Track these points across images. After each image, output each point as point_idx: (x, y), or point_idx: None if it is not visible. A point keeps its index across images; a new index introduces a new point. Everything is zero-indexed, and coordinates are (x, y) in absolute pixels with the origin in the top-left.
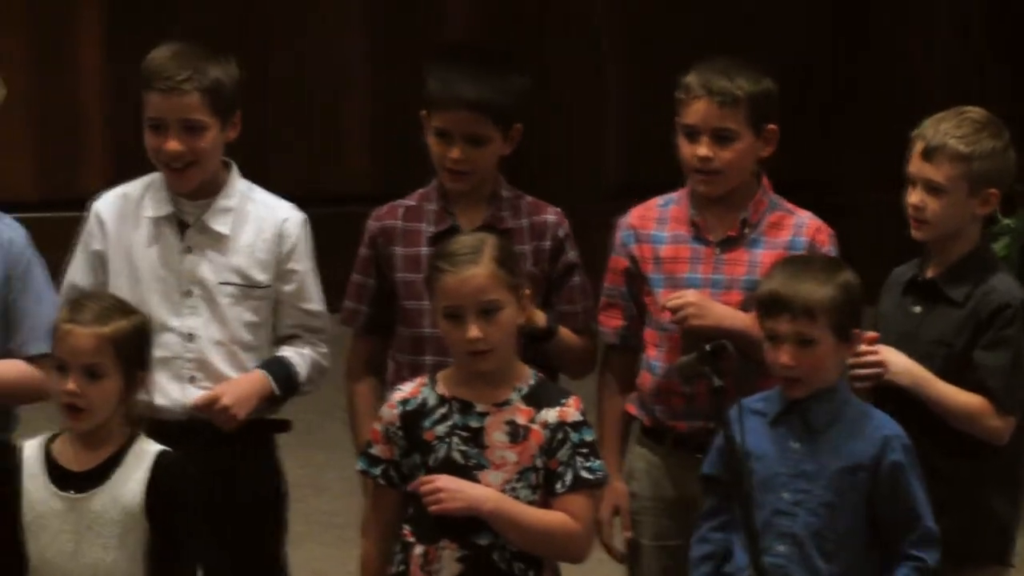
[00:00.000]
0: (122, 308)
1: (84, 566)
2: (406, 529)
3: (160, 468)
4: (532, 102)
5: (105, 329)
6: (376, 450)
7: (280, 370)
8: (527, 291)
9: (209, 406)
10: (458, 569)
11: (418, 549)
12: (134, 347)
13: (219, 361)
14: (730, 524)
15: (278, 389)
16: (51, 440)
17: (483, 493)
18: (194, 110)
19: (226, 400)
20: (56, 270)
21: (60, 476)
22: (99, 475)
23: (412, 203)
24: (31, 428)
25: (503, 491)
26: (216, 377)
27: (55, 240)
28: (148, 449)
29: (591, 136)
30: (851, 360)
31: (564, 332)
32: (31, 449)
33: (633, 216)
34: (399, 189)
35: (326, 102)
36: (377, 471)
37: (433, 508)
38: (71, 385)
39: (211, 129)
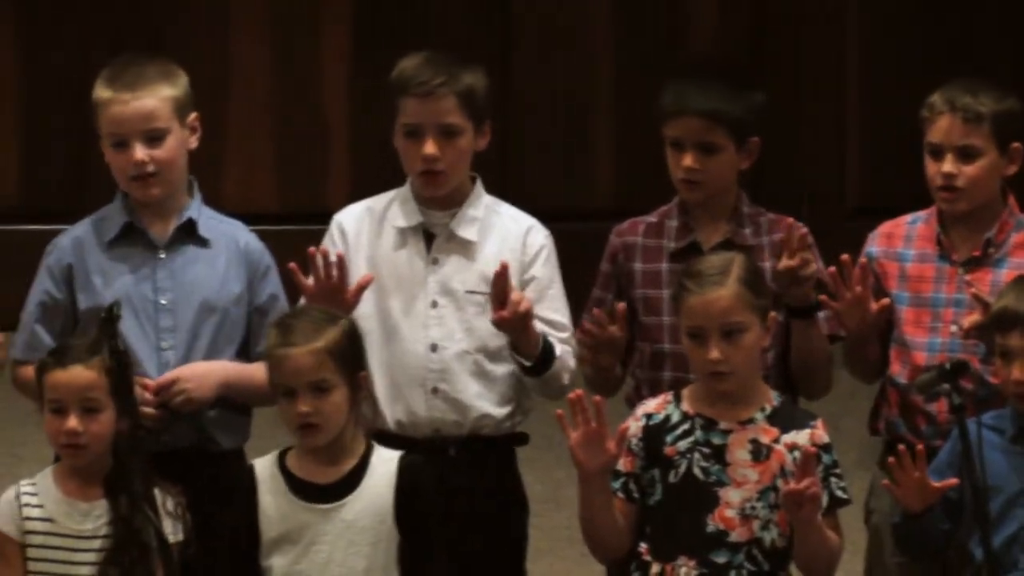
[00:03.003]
0: (327, 317)
1: (337, 575)
2: (643, 547)
3: (406, 473)
4: (770, 117)
5: (319, 343)
6: (618, 463)
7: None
8: (772, 314)
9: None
10: None
11: (655, 568)
12: (349, 351)
13: (464, 371)
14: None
15: (529, 360)
16: (283, 456)
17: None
18: (450, 114)
19: None
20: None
21: (304, 490)
22: (347, 485)
23: (653, 220)
24: None
25: (743, 509)
26: (461, 388)
27: (297, 253)
28: (390, 455)
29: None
30: None
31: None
32: (264, 467)
33: (881, 232)
34: (641, 206)
35: (572, 119)
36: (617, 484)
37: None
38: (302, 407)
39: (465, 135)
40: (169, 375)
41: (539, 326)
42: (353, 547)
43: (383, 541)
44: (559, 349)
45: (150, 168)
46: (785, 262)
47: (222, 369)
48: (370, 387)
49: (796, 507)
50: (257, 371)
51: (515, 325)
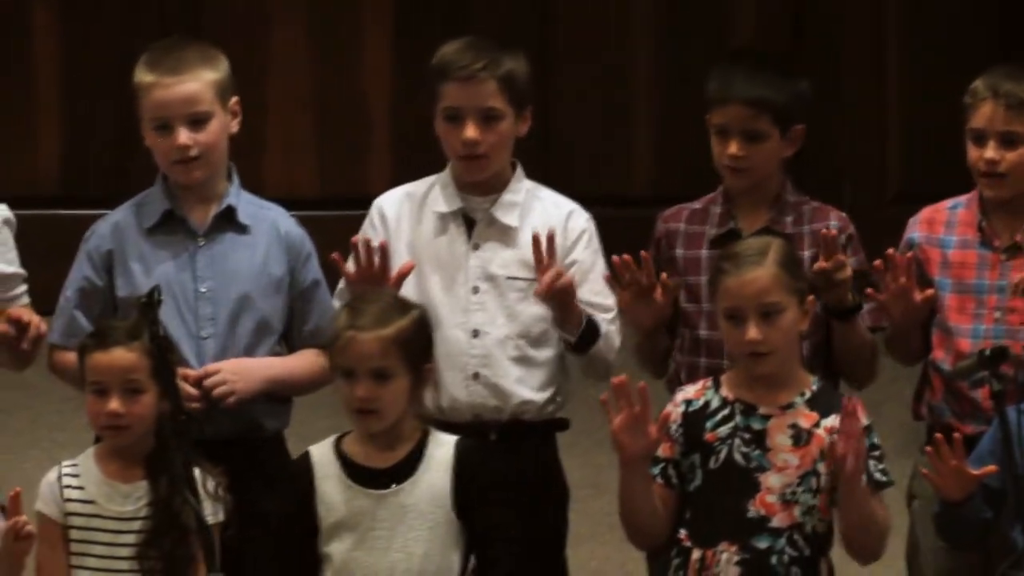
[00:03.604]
0: (400, 306)
1: (396, 560)
2: (683, 533)
3: (463, 456)
4: (814, 105)
5: (387, 331)
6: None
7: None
8: (811, 298)
9: None
10: (736, 573)
11: (695, 554)
12: (417, 343)
13: (505, 357)
14: None
15: (572, 336)
16: (339, 441)
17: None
18: (491, 98)
19: None
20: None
21: (362, 475)
22: (404, 470)
23: (698, 206)
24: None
25: (783, 494)
26: (502, 373)
27: (337, 238)
28: (446, 439)
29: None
30: None
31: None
32: (321, 452)
33: (923, 218)
34: (680, 193)
35: (612, 106)
36: (656, 470)
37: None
38: (361, 391)
39: (506, 119)
40: (212, 366)
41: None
42: (411, 532)
43: (441, 525)
44: (604, 328)
45: (193, 152)
46: (819, 264)
47: (267, 367)
48: (435, 378)
49: (842, 458)
50: (299, 365)
51: (557, 299)
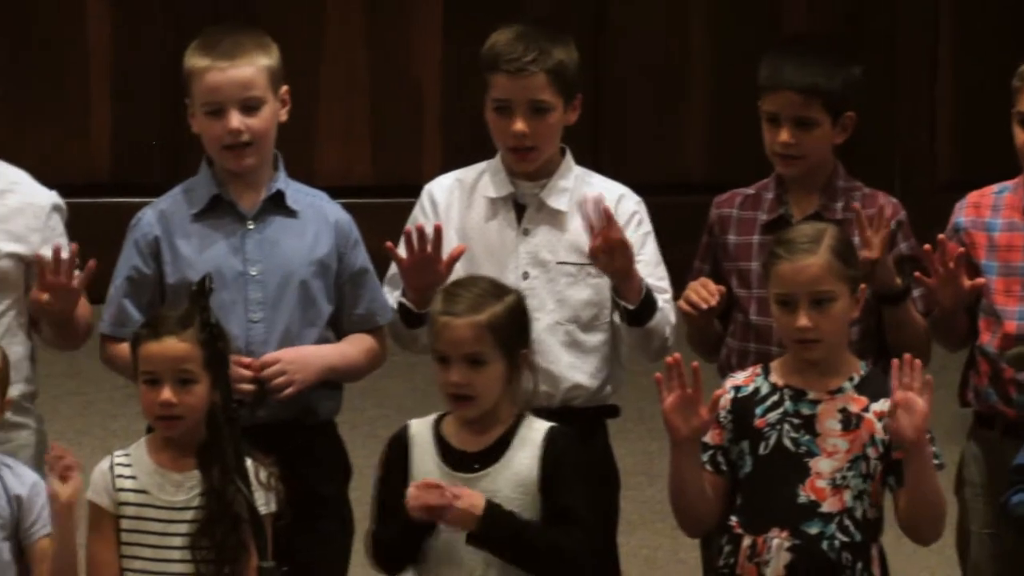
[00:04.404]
0: (495, 291)
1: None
2: (733, 520)
3: (551, 442)
4: (866, 92)
5: (481, 317)
6: (705, 435)
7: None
8: (863, 286)
9: None
10: (788, 559)
11: (746, 540)
12: (511, 329)
13: (556, 342)
14: None
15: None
16: (440, 420)
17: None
18: (540, 91)
19: None
20: (388, 255)
21: (452, 456)
22: (493, 454)
23: (751, 192)
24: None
25: (833, 479)
26: (552, 359)
27: (390, 226)
28: (537, 426)
29: (926, 129)
30: None
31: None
32: (420, 428)
33: (969, 202)
34: (733, 180)
35: (666, 92)
36: (705, 457)
37: None
38: (455, 377)
39: (555, 111)
40: (269, 356)
41: None
42: None
43: (527, 511)
44: (660, 302)
45: (245, 137)
46: (864, 253)
47: (324, 355)
48: (532, 363)
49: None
50: (353, 351)
51: (615, 255)
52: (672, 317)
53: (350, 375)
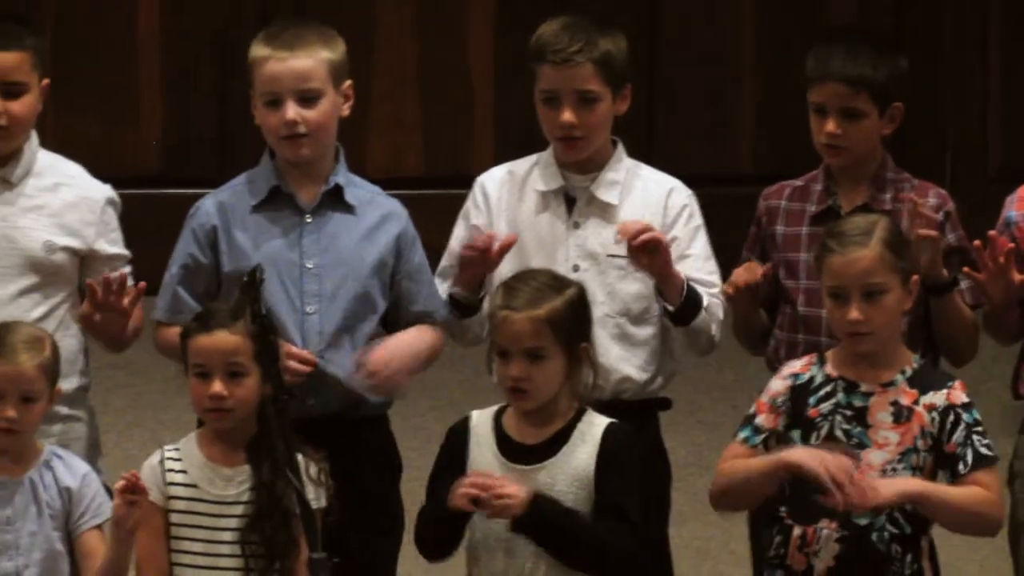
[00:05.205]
0: (555, 285)
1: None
2: (783, 511)
3: (610, 439)
4: (913, 83)
5: (540, 311)
6: (761, 420)
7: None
8: (915, 277)
9: None
10: (837, 550)
11: (796, 531)
12: (571, 323)
13: (606, 335)
14: None
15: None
16: (500, 412)
17: (905, 482)
18: (587, 81)
19: None
20: (438, 248)
21: (510, 448)
22: (550, 448)
23: (800, 183)
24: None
25: (884, 471)
26: (602, 351)
27: (441, 217)
28: (598, 422)
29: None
30: None
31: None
32: (480, 420)
33: (1020, 195)
34: (784, 171)
35: (716, 84)
36: (758, 439)
37: (857, 503)
38: (514, 370)
39: (603, 101)
40: (370, 365)
41: None
42: None
43: (582, 505)
44: (707, 300)
45: (301, 129)
46: (919, 231)
47: (407, 345)
48: (593, 357)
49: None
50: (423, 339)
51: (655, 265)
52: (720, 313)
53: (422, 364)
